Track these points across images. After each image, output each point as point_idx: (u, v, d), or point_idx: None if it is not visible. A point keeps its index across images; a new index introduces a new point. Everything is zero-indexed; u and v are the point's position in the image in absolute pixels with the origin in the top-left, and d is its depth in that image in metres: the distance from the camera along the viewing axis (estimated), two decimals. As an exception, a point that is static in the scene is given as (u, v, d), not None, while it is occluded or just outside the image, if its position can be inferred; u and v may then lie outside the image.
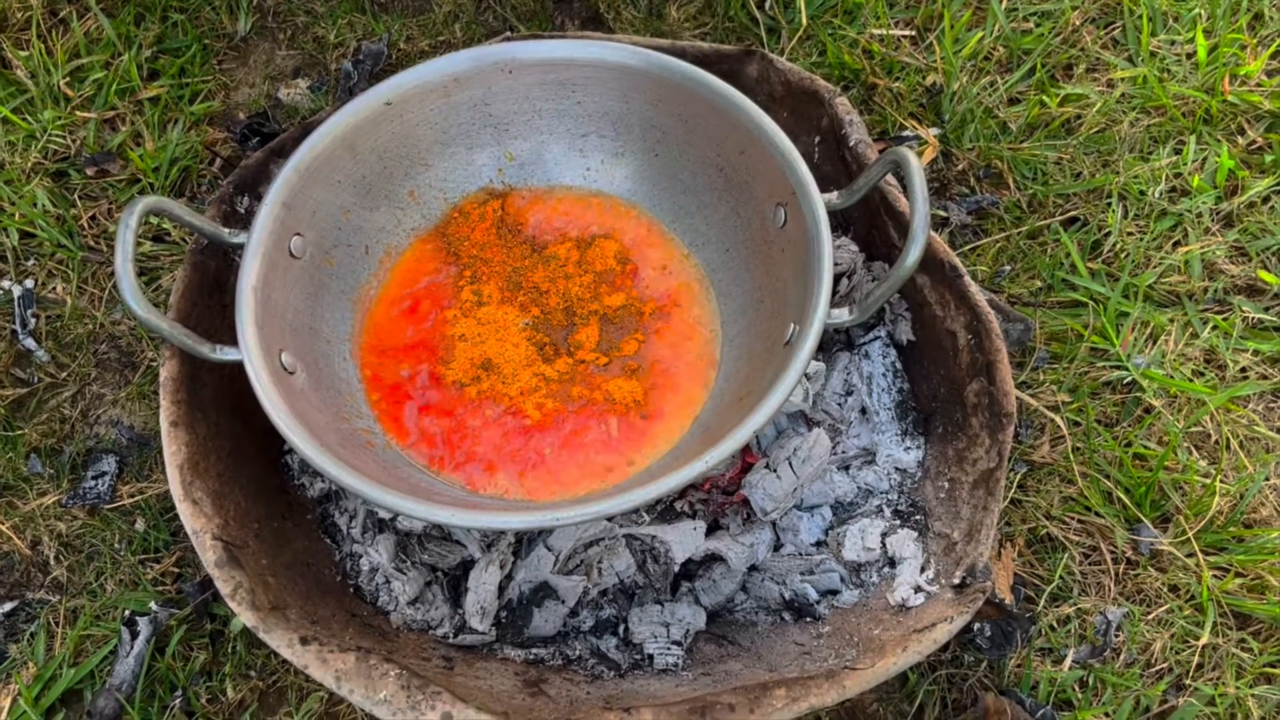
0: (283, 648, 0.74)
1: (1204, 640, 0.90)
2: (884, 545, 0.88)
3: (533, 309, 0.95)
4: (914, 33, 1.21)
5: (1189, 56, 1.19)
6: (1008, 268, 1.08)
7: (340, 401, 0.88)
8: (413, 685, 0.73)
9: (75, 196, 1.10)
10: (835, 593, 0.88)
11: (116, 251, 0.78)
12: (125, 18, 1.18)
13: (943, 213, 1.10)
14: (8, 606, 0.93)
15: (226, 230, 0.87)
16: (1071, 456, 0.97)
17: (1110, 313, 1.04)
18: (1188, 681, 0.89)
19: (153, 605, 0.91)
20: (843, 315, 0.81)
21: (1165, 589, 0.93)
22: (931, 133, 1.14)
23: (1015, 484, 0.97)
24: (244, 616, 0.75)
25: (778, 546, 0.91)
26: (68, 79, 1.15)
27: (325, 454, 0.76)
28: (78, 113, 1.13)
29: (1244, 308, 1.05)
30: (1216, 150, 1.12)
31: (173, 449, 0.81)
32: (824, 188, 0.85)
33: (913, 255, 0.75)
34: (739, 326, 0.92)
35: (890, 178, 0.93)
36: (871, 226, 0.98)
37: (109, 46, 1.17)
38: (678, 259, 0.97)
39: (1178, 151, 1.13)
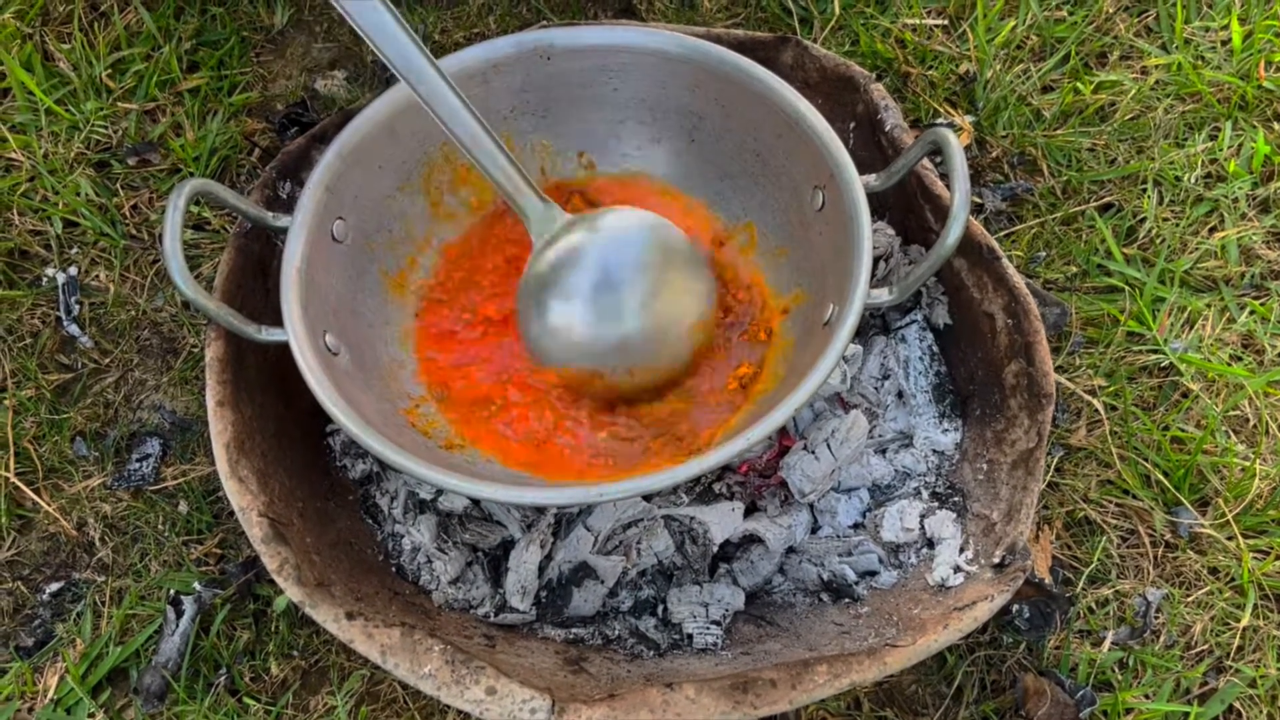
0: (329, 623, 0.75)
1: (1244, 622, 0.90)
2: (922, 526, 0.88)
3: None
4: (946, 22, 1.21)
5: (1224, 43, 1.18)
6: (1043, 254, 1.08)
7: (383, 384, 0.89)
8: (457, 660, 0.73)
9: (117, 186, 1.11)
10: (874, 574, 0.88)
11: (165, 232, 0.79)
12: (165, 11, 1.20)
13: (977, 199, 1.10)
14: (55, 586, 0.94)
15: (270, 214, 0.88)
16: (1109, 440, 0.97)
17: (1146, 298, 1.04)
18: (1228, 663, 0.89)
19: (196, 585, 0.92)
20: (882, 295, 0.81)
21: (1205, 571, 0.92)
22: (966, 120, 1.14)
23: (1052, 467, 0.97)
24: (290, 592, 0.76)
25: (815, 528, 0.91)
26: (109, 71, 1.16)
27: (371, 432, 0.77)
28: (119, 104, 1.15)
29: (1281, 293, 1.05)
30: (1252, 136, 1.12)
31: (219, 428, 0.82)
32: (860, 173, 0.85)
33: (954, 233, 0.75)
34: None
35: (926, 163, 0.94)
36: (908, 211, 0.98)
37: (149, 39, 1.18)
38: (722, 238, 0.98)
39: (1213, 137, 1.13)
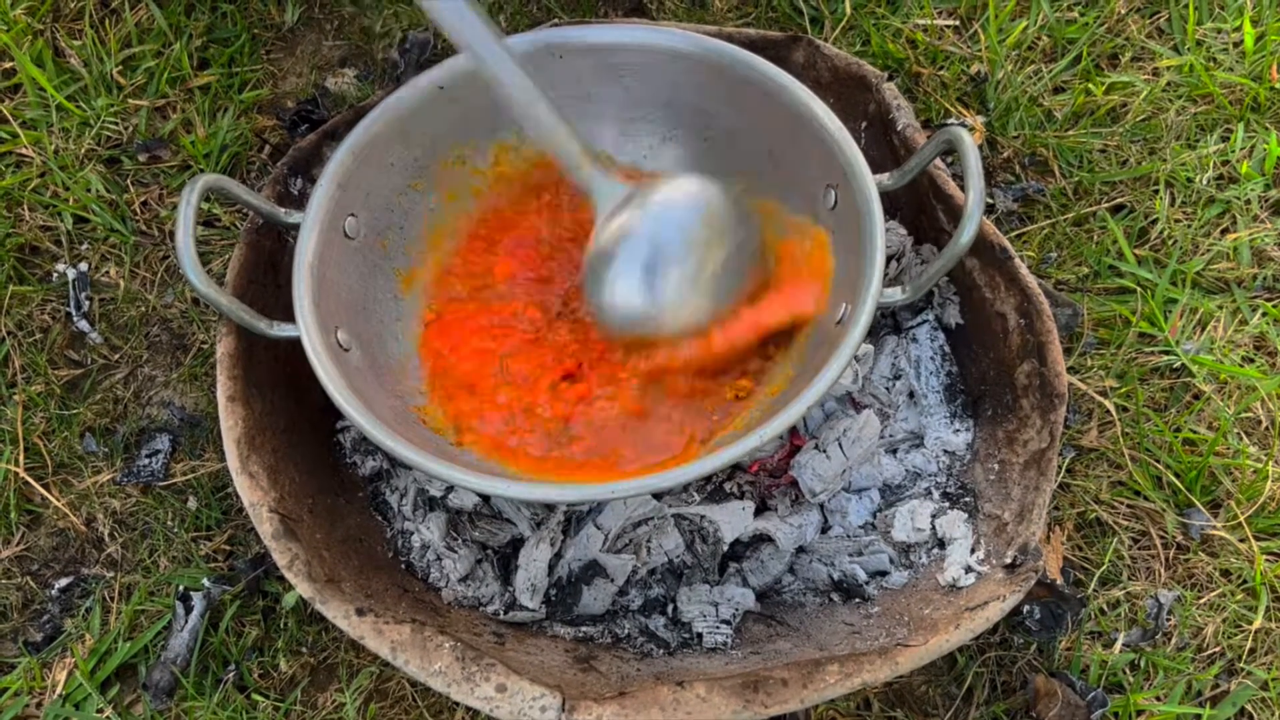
0: (339, 619, 0.75)
1: (1257, 624, 0.89)
2: (933, 526, 0.88)
3: None
4: (957, 22, 1.21)
5: (1236, 45, 1.18)
6: (1054, 254, 1.08)
7: (394, 380, 0.89)
8: (467, 657, 0.73)
9: (128, 182, 1.11)
10: (884, 574, 0.88)
11: (178, 227, 0.79)
12: (176, 8, 1.20)
13: (989, 199, 1.10)
14: (64, 582, 0.94)
15: (282, 210, 0.88)
16: (1121, 441, 0.97)
17: (1158, 299, 1.04)
18: (1240, 665, 0.89)
19: (205, 581, 0.92)
20: (895, 294, 0.81)
21: (1217, 573, 0.92)
22: (978, 120, 1.14)
23: (1064, 468, 0.96)
24: (301, 588, 0.76)
25: (826, 528, 0.91)
26: (120, 67, 1.16)
27: (382, 428, 0.77)
28: (130, 100, 1.15)
29: (1294, 295, 1.04)
30: (1265, 138, 1.12)
31: (230, 423, 0.82)
32: (872, 173, 0.85)
33: (968, 232, 0.75)
34: (789, 307, 0.92)
35: (939, 163, 0.94)
36: (919, 211, 0.98)
37: (160, 36, 1.18)
38: None
39: (1225, 139, 1.13)
